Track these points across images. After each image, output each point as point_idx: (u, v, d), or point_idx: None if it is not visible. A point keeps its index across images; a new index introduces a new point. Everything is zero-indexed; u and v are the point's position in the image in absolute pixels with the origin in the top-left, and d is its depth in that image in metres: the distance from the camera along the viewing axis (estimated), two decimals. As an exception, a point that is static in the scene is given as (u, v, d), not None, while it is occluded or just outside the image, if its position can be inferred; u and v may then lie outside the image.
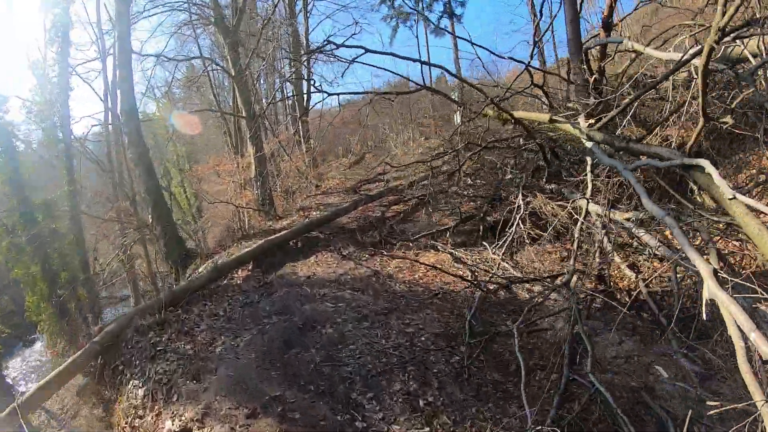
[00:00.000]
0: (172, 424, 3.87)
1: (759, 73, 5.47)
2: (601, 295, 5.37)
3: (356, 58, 7.43)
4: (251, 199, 11.96)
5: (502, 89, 9.01)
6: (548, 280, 6.00)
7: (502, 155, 8.79)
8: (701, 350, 4.24)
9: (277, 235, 7.78)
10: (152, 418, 4.12)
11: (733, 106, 5.08)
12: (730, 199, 3.26)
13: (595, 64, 8.18)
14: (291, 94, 16.65)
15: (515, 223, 6.73)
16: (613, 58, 8.51)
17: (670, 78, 5.80)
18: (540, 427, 3.36)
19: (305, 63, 15.26)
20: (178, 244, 9.97)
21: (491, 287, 5.94)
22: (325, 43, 8.70)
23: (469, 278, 6.15)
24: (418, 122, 16.04)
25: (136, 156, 9.82)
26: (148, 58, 14.07)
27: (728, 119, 4.49)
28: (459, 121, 10.96)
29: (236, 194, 12.52)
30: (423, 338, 4.90)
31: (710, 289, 2.91)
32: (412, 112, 17.35)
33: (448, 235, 7.64)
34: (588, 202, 6.07)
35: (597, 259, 5.85)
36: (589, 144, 6.01)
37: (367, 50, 7.30)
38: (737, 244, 5.13)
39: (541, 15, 8.81)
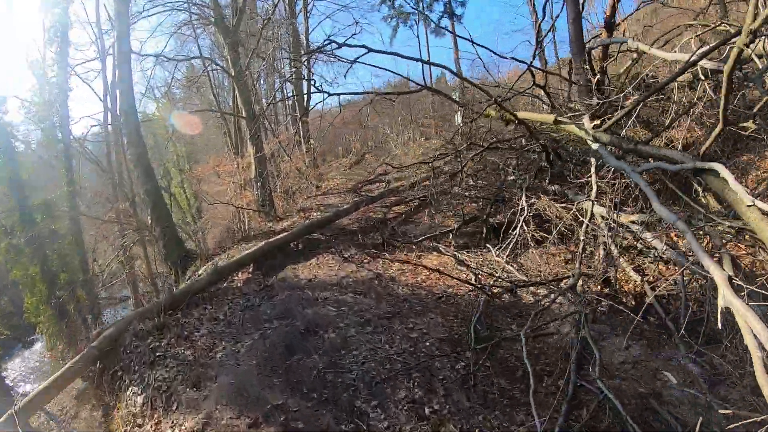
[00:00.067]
0: (172, 434, 3.79)
1: (768, 75, 5.40)
2: (607, 298, 5.31)
3: (359, 57, 7.37)
4: (251, 199, 11.88)
5: (504, 89, 8.94)
6: (553, 283, 5.93)
7: (504, 156, 8.70)
8: (709, 355, 4.18)
9: (277, 236, 7.69)
10: (151, 427, 4.02)
11: (755, 111, 4.95)
12: (749, 206, 3.17)
13: (598, 64, 8.11)
14: (291, 94, 16.58)
15: (519, 225, 6.66)
16: (615, 58, 8.44)
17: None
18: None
19: (305, 63, 15.18)
20: (178, 245, 9.92)
21: (496, 291, 5.85)
22: (327, 42, 8.65)
23: (473, 282, 6.06)
24: (419, 122, 15.94)
25: (135, 156, 9.78)
26: (148, 58, 14.02)
27: (750, 124, 4.37)
28: (460, 121, 10.89)
29: (236, 195, 12.43)
30: (427, 343, 4.81)
31: (726, 297, 2.83)
32: (413, 112, 17.25)
33: (450, 237, 7.57)
34: (593, 204, 6.00)
35: (602, 262, 5.79)
36: (595, 146, 5.93)
37: (370, 50, 7.23)
38: (743, 247, 5.06)
39: (544, 15, 8.69)
